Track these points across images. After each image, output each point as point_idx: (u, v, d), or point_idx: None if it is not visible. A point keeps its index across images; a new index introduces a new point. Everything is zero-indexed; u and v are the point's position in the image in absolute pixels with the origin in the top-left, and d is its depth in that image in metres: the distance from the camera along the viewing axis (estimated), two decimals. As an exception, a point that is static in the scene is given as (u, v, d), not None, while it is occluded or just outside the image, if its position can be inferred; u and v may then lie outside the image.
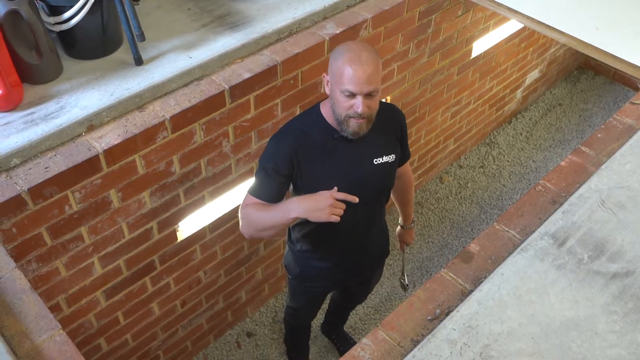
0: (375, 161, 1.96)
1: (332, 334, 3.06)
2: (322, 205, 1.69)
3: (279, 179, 1.88)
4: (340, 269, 2.21)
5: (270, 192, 1.89)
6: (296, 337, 2.87)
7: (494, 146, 4.21)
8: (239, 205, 2.47)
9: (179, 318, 2.69)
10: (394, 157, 2.01)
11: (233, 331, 3.11)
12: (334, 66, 1.77)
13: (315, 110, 1.94)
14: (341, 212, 1.72)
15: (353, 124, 1.79)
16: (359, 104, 1.73)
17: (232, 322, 3.08)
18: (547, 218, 1.66)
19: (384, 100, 2.24)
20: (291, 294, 2.49)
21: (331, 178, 1.90)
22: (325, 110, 1.91)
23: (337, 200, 1.71)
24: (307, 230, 2.08)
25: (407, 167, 2.31)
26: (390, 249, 2.39)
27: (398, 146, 2.06)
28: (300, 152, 1.87)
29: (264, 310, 3.21)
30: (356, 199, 1.75)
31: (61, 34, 1.99)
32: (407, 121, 2.07)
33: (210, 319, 2.90)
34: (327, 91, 1.85)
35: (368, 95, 1.74)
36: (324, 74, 1.87)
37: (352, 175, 1.93)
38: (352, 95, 1.73)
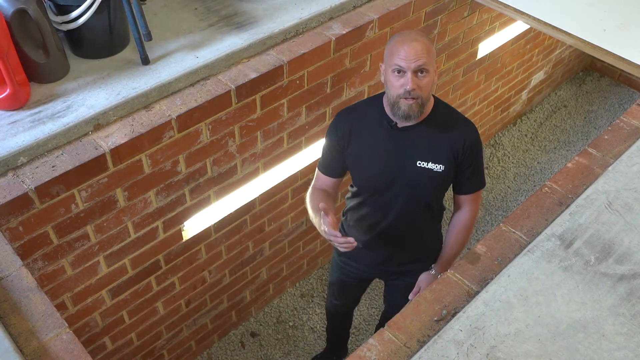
0: (419, 164, 1.93)
1: None
2: (327, 235, 1.90)
3: (335, 151, 2.04)
4: (367, 251, 2.24)
5: (330, 164, 2.09)
6: (330, 322, 2.88)
7: (498, 147, 4.21)
8: (244, 205, 2.50)
9: (184, 317, 2.69)
10: (443, 168, 1.94)
11: (237, 331, 3.11)
12: (387, 50, 1.85)
13: (378, 97, 2.01)
14: (346, 248, 1.86)
15: (403, 104, 1.83)
16: (408, 80, 1.78)
17: (236, 322, 3.09)
18: (554, 219, 1.65)
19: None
20: (331, 267, 2.56)
21: (370, 162, 2.00)
22: (385, 99, 1.96)
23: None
24: (350, 206, 2.19)
25: (471, 199, 2.07)
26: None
27: (452, 162, 1.94)
28: (353, 130, 1.99)
29: (268, 310, 3.21)
30: (352, 243, 1.85)
31: (68, 33, 1.99)
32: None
33: (214, 318, 2.90)
34: (383, 80, 1.91)
35: (418, 73, 1.79)
36: (380, 64, 1.93)
37: (390, 167, 1.97)
38: (402, 72, 1.79)
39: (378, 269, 2.35)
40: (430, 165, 1.93)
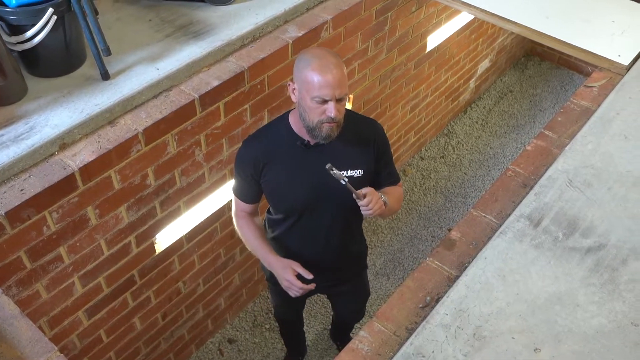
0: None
1: (338, 340, 3.10)
2: (281, 279, 2.01)
3: (250, 181, 1.98)
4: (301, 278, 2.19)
5: (246, 193, 2.04)
6: (285, 329, 2.89)
7: (452, 136, 4.33)
8: (214, 212, 2.50)
9: (161, 331, 2.67)
10: (362, 173, 1.94)
11: (214, 339, 3.11)
12: (302, 74, 1.76)
13: (283, 118, 1.96)
14: (298, 292, 1.98)
15: (326, 129, 1.80)
16: (331, 109, 1.75)
17: (212, 330, 3.08)
18: (521, 201, 1.74)
19: (353, 108, 2.08)
20: (270, 292, 2.54)
21: (292, 185, 1.95)
22: (293, 119, 1.92)
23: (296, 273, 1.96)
24: (275, 235, 2.14)
25: (396, 188, 2.09)
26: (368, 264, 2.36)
27: (370, 162, 1.97)
28: (265, 158, 1.92)
29: (243, 315, 3.22)
30: (310, 275, 1.95)
31: (23, 53, 1.95)
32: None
33: (191, 329, 2.88)
34: (294, 99, 1.84)
35: (338, 100, 1.76)
36: (288, 82, 1.87)
37: (312, 184, 1.94)
38: (324, 101, 1.74)
39: (316, 289, 2.30)
40: (350, 173, 1.92)
